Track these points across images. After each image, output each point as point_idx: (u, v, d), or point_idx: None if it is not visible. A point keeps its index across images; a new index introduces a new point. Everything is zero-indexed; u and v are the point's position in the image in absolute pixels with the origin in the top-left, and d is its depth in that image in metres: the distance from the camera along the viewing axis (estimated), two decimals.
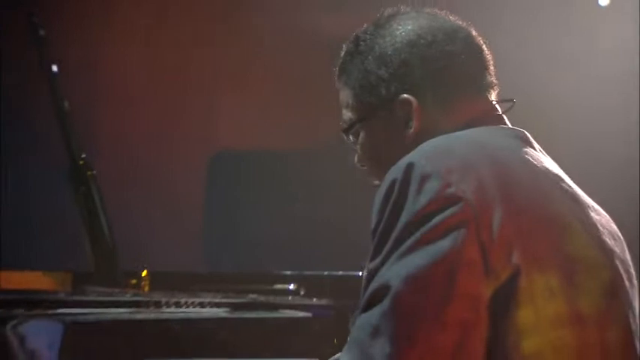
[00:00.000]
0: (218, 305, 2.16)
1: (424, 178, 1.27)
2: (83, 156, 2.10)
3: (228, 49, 4.67)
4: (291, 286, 2.27)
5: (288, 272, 2.30)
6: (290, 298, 2.31)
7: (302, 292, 2.31)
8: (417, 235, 1.24)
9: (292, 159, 4.57)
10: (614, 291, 1.37)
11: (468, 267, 1.23)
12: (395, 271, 1.23)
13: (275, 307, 2.24)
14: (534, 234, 1.30)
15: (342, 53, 1.60)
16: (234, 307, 2.17)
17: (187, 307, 2.09)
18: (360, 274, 2.19)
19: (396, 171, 1.31)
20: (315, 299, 2.28)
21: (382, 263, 1.26)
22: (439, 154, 1.34)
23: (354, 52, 1.58)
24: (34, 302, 1.96)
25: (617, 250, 1.42)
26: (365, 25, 1.58)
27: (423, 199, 1.25)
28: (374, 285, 1.26)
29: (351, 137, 1.59)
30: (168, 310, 2.08)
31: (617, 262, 1.41)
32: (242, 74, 4.66)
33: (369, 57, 1.55)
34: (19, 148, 2.63)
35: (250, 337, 2.13)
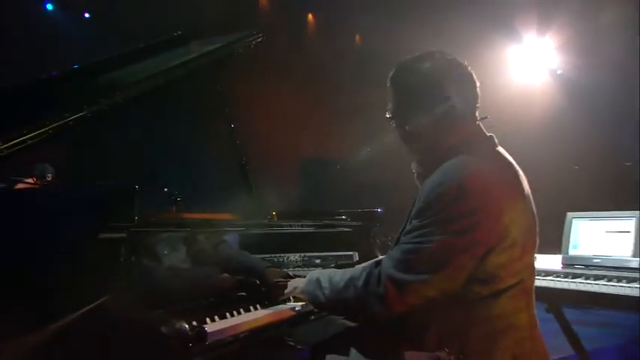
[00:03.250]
0: (308, 225, 2.13)
1: (460, 192, 1.21)
2: (244, 159, 2.18)
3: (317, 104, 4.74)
4: (343, 216, 2.29)
5: (342, 210, 2.32)
6: (341, 221, 2.27)
7: (348, 219, 2.27)
8: (453, 222, 1.20)
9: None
10: (535, 222, 1.33)
11: (475, 245, 1.20)
12: (435, 236, 1.20)
13: (334, 226, 2.24)
14: (514, 217, 1.24)
15: (394, 71, 1.40)
16: (316, 226, 2.16)
17: (293, 226, 2.07)
18: (379, 210, 2.32)
19: (445, 180, 1.24)
20: (353, 222, 2.25)
21: (423, 227, 1.22)
22: (468, 174, 1.25)
23: (399, 74, 1.39)
24: (220, 224, 1.91)
25: (531, 196, 1.34)
26: (408, 57, 1.40)
27: (458, 204, 1.20)
28: (422, 236, 1.21)
29: (390, 120, 1.43)
30: (285, 228, 2.05)
31: (533, 204, 1.35)
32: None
33: (409, 77, 1.37)
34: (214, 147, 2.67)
35: (323, 240, 2.14)
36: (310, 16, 6.29)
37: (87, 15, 5.82)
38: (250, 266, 1.78)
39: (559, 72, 5.37)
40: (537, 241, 1.35)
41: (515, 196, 1.30)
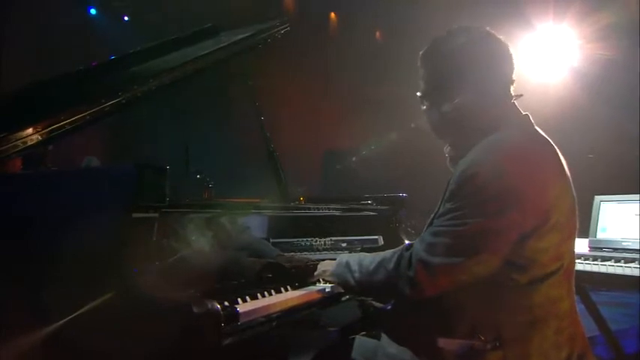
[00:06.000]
0: (335, 209, 2.04)
1: (495, 171, 1.08)
2: (272, 145, 2.12)
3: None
4: (368, 201, 2.21)
5: (367, 195, 2.24)
6: (367, 206, 2.19)
7: (373, 204, 2.19)
8: (487, 204, 1.07)
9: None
10: (575, 205, 1.20)
11: (511, 227, 1.07)
12: (468, 219, 1.07)
13: (360, 210, 2.15)
14: (556, 198, 1.11)
15: (426, 48, 1.24)
16: (342, 210, 2.07)
17: (320, 209, 1.99)
18: (403, 195, 2.22)
19: (480, 160, 1.11)
20: (378, 206, 2.17)
21: (456, 210, 1.09)
22: (504, 152, 1.12)
23: (432, 51, 1.24)
24: (250, 207, 1.79)
25: (570, 178, 1.19)
26: (445, 32, 1.23)
27: (493, 184, 1.07)
28: (455, 219, 1.08)
29: (421, 100, 1.27)
30: (312, 210, 1.97)
31: (571, 183, 1.19)
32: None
33: (443, 55, 1.22)
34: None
35: (348, 224, 2.06)
36: (333, 14, 6.22)
37: (126, 18, 5.93)
38: (263, 253, 1.69)
39: (574, 64, 5.06)
40: (577, 225, 1.20)
41: (556, 176, 1.16)
